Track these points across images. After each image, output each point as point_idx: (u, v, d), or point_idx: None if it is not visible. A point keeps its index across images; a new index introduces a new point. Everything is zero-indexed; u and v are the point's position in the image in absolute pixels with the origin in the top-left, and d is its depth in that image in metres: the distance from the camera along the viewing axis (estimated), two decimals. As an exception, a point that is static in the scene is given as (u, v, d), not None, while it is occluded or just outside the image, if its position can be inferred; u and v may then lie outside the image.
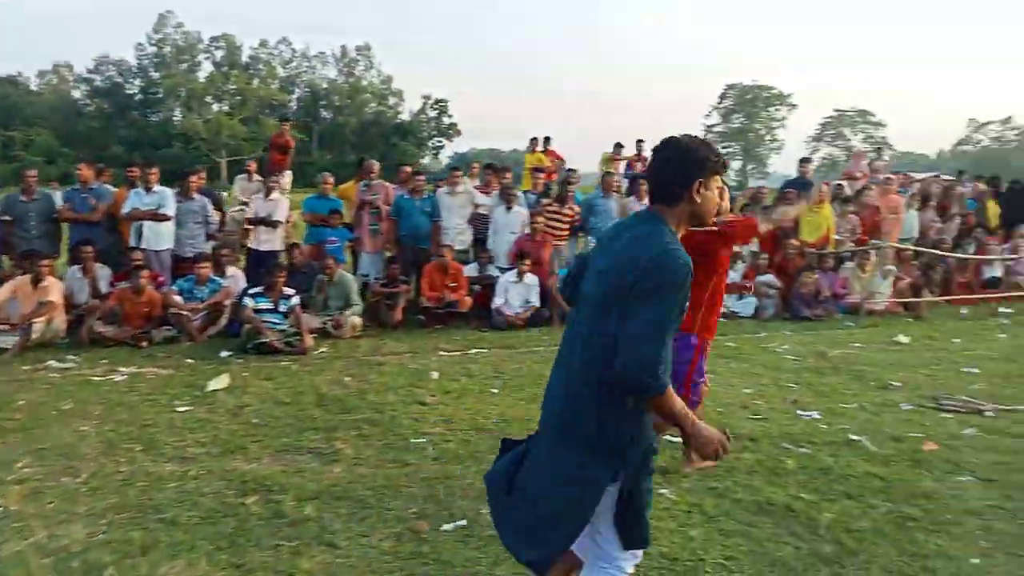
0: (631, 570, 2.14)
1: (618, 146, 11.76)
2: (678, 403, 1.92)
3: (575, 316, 2.17)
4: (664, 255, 1.91)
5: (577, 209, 8.68)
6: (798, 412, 4.97)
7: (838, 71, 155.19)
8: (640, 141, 11.80)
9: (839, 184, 10.80)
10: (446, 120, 72.73)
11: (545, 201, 8.69)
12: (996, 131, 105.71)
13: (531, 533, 2.10)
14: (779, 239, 9.17)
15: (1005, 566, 2.99)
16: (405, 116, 70.03)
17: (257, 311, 6.84)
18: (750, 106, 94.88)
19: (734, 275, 7.83)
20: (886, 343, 7.20)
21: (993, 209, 11.02)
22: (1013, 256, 9.73)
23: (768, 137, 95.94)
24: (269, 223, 8.20)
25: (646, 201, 9.48)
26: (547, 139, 12.20)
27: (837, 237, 9.37)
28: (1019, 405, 5.13)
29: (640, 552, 2.14)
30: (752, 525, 3.30)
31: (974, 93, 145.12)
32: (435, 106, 72.87)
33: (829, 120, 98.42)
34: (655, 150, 2.14)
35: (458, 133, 73.18)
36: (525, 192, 9.04)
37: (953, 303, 9.27)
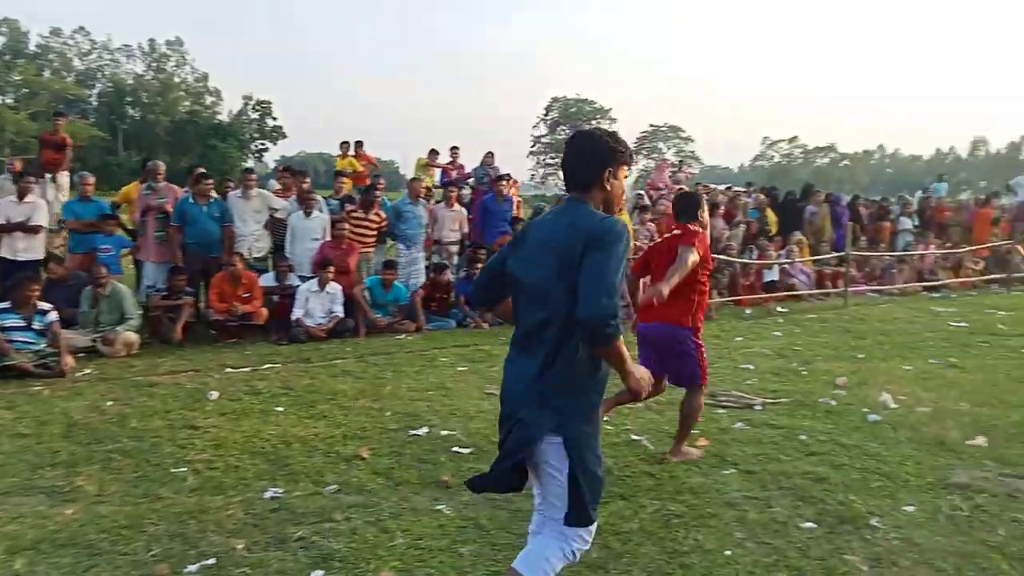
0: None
1: (433, 152, 11.65)
2: (623, 349, 2.12)
3: (526, 296, 2.26)
4: (604, 220, 2.17)
5: (384, 215, 8.43)
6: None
7: (651, 88, 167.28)
8: (454, 148, 11.78)
9: (639, 193, 11.40)
10: (270, 122, 69.61)
11: (350, 207, 8.35)
12: (785, 148, 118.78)
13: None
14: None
15: (753, 555, 3.12)
16: (224, 117, 65.98)
17: (4, 329, 5.94)
18: (574, 119, 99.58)
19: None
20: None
21: (772, 217, 12.15)
22: (787, 261, 10.75)
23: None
24: (27, 229, 7.20)
25: (457, 207, 9.71)
26: (359, 143, 11.83)
27: (637, 244, 9.84)
28: (784, 398, 5.56)
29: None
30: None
31: (767, 114, 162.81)
32: (258, 107, 69.43)
33: (645, 134, 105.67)
34: (568, 143, 2.34)
35: (283, 135, 70.27)
36: (327, 198, 8.64)
37: (739, 304, 10.05)
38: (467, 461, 4.09)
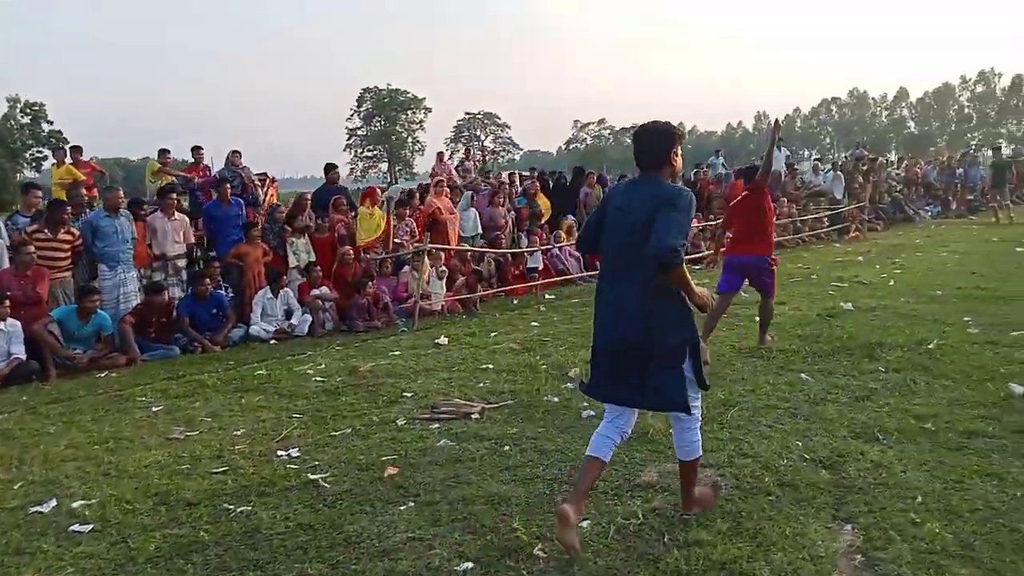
0: None
1: (163, 152, 10.34)
2: (687, 276, 2.90)
3: (616, 250, 3.07)
4: (677, 189, 3.00)
5: (77, 233, 7.20)
6: (277, 452, 4.41)
7: (466, 77, 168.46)
8: (197, 148, 10.54)
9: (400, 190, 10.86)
10: (46, 127, 61.87)
11: (32, 227, 7.03)
12: (595, 131, 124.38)
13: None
14: (334, 246, 8.79)
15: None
16: (-20, 122, 57.80)
17: None
18: (388, 109, 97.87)
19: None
20: (426, 348, 7.15)
21: (545, 203, 12.12)
22: (557, 245, 10.72)
23: (410, 139, 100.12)
24: None
25: (177, 216, 8.45)
26: (76, 148, 10.29)
27: (397, 240, 9.31)
28: (510, 400, 5.24)
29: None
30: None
31: (577, 96, 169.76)
32: (27, 111, 61.55)
33: (461, 122, 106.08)
34: (639, 135, 3.13)
35: (64, 141, 62.69)
36: (13, 216, 7.26)
37: (509, 294, 9.84)
38: (77, 544, 3.29)
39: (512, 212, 11.39)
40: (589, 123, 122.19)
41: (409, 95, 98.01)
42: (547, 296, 9.78)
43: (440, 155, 15.62)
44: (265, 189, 10.41)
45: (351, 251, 8.70)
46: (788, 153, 18.30)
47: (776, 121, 7.33)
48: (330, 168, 10.44)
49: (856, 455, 4.02)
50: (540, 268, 9.96)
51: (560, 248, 10.74)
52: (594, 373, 3.19)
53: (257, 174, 10.89)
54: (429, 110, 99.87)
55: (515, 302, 9.56)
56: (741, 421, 4.59)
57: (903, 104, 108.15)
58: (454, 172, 15.25)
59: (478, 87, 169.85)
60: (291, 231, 8.71)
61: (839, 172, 17.27)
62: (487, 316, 8.73)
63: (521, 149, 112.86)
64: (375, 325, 8.10)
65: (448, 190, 10.30)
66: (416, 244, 8.82)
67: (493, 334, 7.65)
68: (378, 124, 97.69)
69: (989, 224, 17.01)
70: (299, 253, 8.58)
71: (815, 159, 19.42)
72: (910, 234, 15.85)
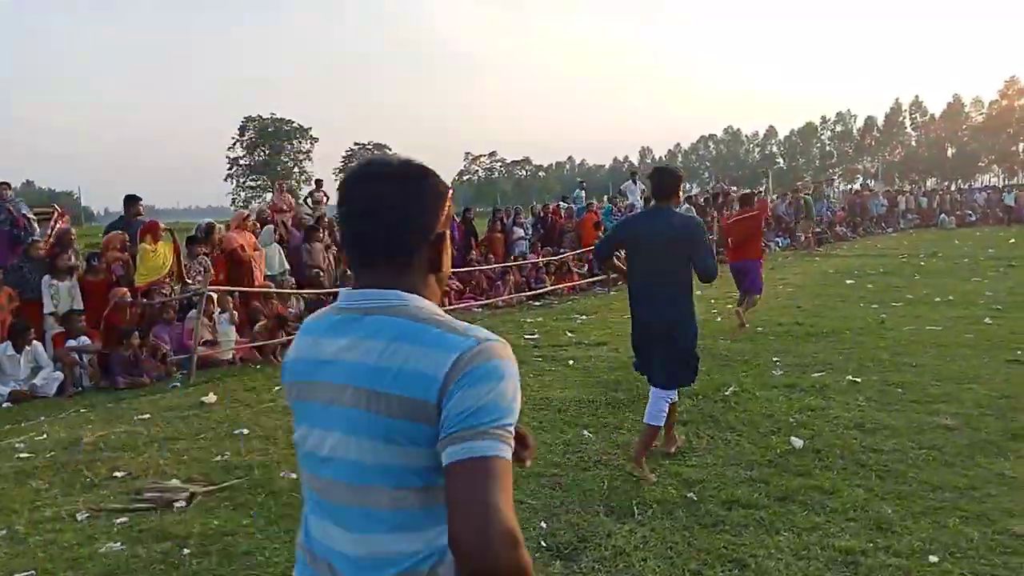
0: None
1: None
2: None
3: (650, 262, 4.12)
4: (693, 221, 4.41)
5: None
6: None
7: (354, 107, 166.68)
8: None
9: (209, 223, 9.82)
10: None
11: None
12: (487, 163, 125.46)
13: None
14: (109, 288, 7.67)
15: None
16: None
17: None
18: (273, 139, 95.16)
19: None
20: (188, 408, 6.18)
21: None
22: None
23: (296, 169, 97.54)
24: None
25: None
26: None
27: (189, 281, 8.27)
28: (236, 479, 4.40)
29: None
30: None
31: (468, 129, 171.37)
32: None
33: (350, 152, 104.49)
34: (657, 173, 4.34)
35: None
36: None
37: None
38: None
39: (334, 249, 10.56)
40: (480, 155, 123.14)
41: (295, 124, 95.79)
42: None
43: (280, 184, 14.57)
44: (52, 223, 9.12)
45: (126, 293, 7.61)
46: (644, 187, 18.43)
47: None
48: (131, 201, 9.26)
49: (601, 537, 3.46)
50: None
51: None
52: (639, 357, 4.46)
53: (37, 208, 9.58)
54: (316, 140, 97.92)
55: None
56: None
57: (772, 141, 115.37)
58: (295, 204, 14.28)
59: (368, 116, 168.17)
60: (53, 272, 7.51)
61: (690, 206, 17.49)
62: (270, 371, 7.81)
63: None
64: (141, 381, 7.02)
65: (259, 225, 9.37)
66: (194, 286, 7.81)
67: (277, 388, 6.76)
68: (262, 153, 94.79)
69: (829, 255, 17.70)
70: (59, 298, 7.40)
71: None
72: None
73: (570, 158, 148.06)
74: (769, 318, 9.13)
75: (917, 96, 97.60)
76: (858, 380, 5.96)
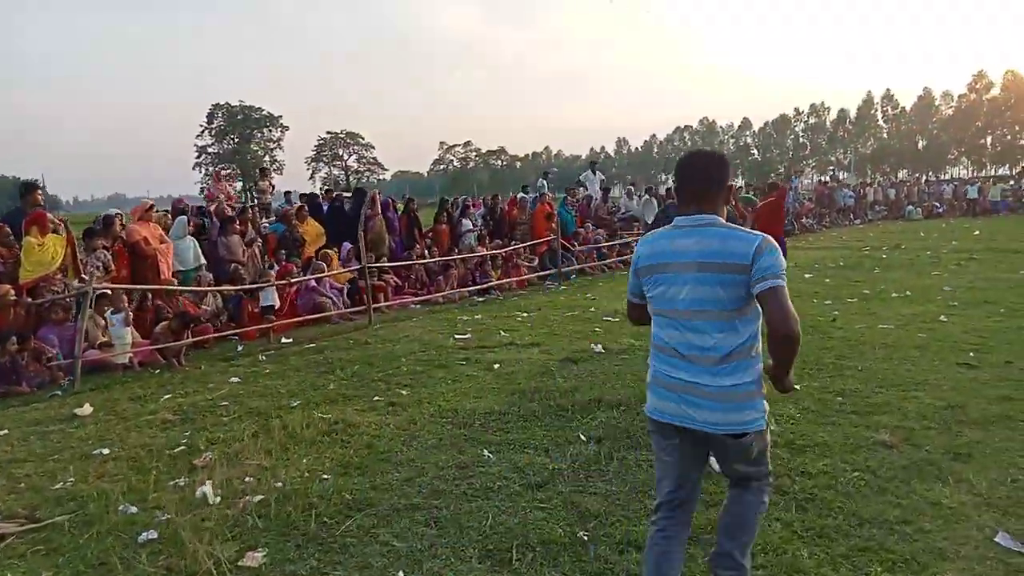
0: None
1: None
2: None
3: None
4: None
5: None
6: None
7: (327, 96, 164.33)
8: None
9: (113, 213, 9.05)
10: None
11: None
12: (461, 152, 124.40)
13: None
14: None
15: None
16: None
17: None
18: (242, 127, 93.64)
19: None
20: (56, 422, 5.51)
21: (313, 229, 10.70)
22: (314, 277, 9.31)
23: (267, 158, 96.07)
24: None
25: None
26: None
27: (86, 277, 7.55)
28: (67, 515, 3.76)
29: None
30: None
31: (444, 117, 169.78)
32: None
33: (323, 141, 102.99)
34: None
35: None
36: None
37: (242, 337, 8.33)
38: None
39: (259, 240, 9.87)
40: (455, 145, 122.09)
41: (264, 112, 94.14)
42: (283, 340, 8.32)
43: (217, 174, 13.90)
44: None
45: (9, 291, 6.89)
46: (603, 178, 17.91)
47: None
48: (28, 188, 8.51)
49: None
50: (277, 306, 8.46)
51: (320, 281, 9.34)
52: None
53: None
54: (286, 128, 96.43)
55: (240, 349, 8.04)
56: (354, 534, 3.38)
57: (747, 133, 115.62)
58: (231, 191, 13.60)
59: (339, 105, 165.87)
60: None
61: (652, 198, 17.00)
62: (193, 369, 7.16)
63: (387, 170, 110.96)
64: (19, 390, 6.34)
65: (165, 215, 8.66)
66: (77, 284, 7.11)
67: (166, 396, 6.11)
68: (232, 142, 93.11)
69: (792, 248, 17.29)
70: (-74, 298, 6.67)
71: (630, 184, 19.16)
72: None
73: (547, 148, 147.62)
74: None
75: (889, 89, 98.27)
76: (797, 387, 5.45)
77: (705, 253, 2.35)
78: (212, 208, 10.04)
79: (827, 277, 11.78)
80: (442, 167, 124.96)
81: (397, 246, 11.52)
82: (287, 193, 15.65)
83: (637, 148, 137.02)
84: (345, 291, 9.74)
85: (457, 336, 8.01)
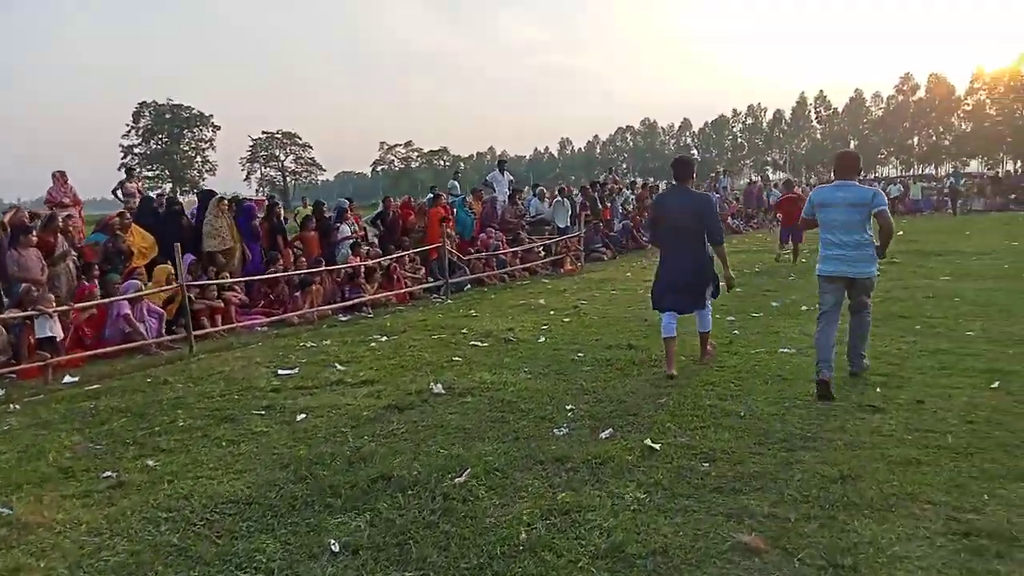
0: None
1: None
2: (725, 252, 5.94)
3: (675, 229, 5.83)
4: (707, 197, 6.20)
5: None
6: None
7: (259, 95, 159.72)
8: None
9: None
10: None
11: None
12: (402, 152, 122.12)
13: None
14: None
15: None
16: None
17: None
18: (171, 126, 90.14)
19: None
20: None
21: (141, 239, 9.13)
22: (124, 298, 7.72)
23: (199, 159, 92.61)
24: None
25: None
26: None
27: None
28: None
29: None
30: None
31: (382, 117, 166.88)
32: None
33: (258, 141, 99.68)
34: (677, 162, 6.08)
35: None
36: None
37: (20, 376, 6.73)
38: None
39: (74, 254, 8.26)
40: (396, 145, 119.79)
41: (194, 111, 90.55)
42: (68, 379, 6.72)
43: (60, 176, 12.01)
44: None
45: None
46: (512, 178, 16.64)
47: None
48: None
49: None
50: (60, 338, 6.87)
51: (135, 303, 7.75)
52: (663, 297, 5.93)
53: None
54: (218, 128, 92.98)
55: (0, 392, 6.42)
56: None
57: (687, 133, 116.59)
58: (73, 194, 11.87)
59: (277, 105, 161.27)
60: None
61: (564, 199, 15.81)
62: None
63: (325, 170, 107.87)
64: None
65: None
66: None
67: None
68: (160, 142, 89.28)
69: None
70: None
71: (539, 186, 17.98)
72: (632, 264, 14.63)
73: (491, 148, 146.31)
74: (601, 339, 7.42)
75: (822, 91, 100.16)
76: (656, 447, 4.23)
77: (849, 198, 5.16)
78: (6, 217, 8.35)
79: (739, 287, 10.71)
80: (381, 167, 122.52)
81: (255, 256, 10.00)
82: (160, 194, 14.03)
83: (580, 148, 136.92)
84: (164, 316, 8.13)
85: (281, 371, 6.58)
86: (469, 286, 11.80)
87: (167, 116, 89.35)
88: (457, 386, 5.74)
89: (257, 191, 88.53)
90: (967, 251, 13.93)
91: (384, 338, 7.97)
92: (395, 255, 10.92)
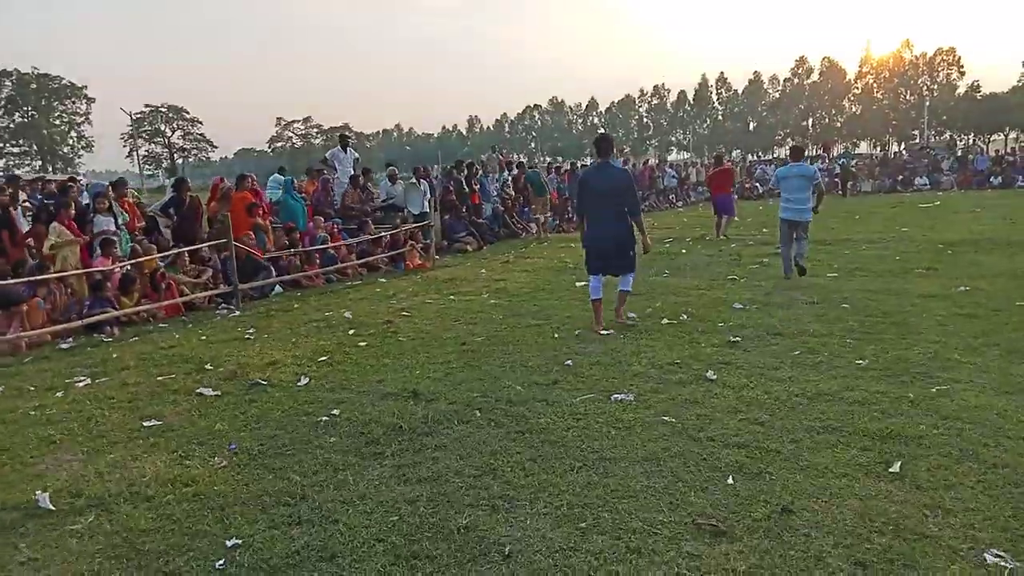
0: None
1: None
2: (643, 223, 6.64)
3: (599, 201, 6.43)
4: (627, 173, 6.89)
5: None
6: None
7: (148, 67, 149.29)
8: None
9: None
10: None
11: None
12: (301, 129, 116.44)
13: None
14: None
15: None
16: None
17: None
18: (38, 98, 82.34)
19: None
20: None
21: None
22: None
23: (73, 133, 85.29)
24: None
25: None
26: None
27: None
28: None
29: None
30: None
31: (279, 92, 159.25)
32: None
33: (141, 115, 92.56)
34: (600, 139, 6.75)
35: None
36: None
37: None
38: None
39: None
40: (294, 121, 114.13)
41: (64, 81, 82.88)
42: None
43: None
44: None
45: None
46: (358, 156, 14.37)
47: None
48: None
49: None
50: None
51: None
52: (593, 263, 6.56)
53: None
54: (92, 100, 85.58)
55: None
56: None
57: (594, 113, 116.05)
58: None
59: (166, 79, 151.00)
60: None
61: (418, 180, 13.64)
62: None
63: (215, 147, 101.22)
64: None
65: None
66: None
67: None
68: (26, 115, 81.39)
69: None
70: None
71: (391, 166, 15.75)
72: (497, 257, 12.67)
73: (397, 126, 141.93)
74: (383, 381, 5.38)
75: (723, 72, 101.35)
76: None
77: (799, 172, 8.70)
78: None
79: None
80: (279, 145, 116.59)
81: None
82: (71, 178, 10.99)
83: (488, 126, 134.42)
84: None
85: None
86: (278, 289, 9.53)
87: (32, 86, 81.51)
88: (83, 494, 3.55)
89: (141, 170, 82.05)
90: (856, 239, 12.73)
91: (83, 382, 5.64)
92: (162, 255, 8.48)
